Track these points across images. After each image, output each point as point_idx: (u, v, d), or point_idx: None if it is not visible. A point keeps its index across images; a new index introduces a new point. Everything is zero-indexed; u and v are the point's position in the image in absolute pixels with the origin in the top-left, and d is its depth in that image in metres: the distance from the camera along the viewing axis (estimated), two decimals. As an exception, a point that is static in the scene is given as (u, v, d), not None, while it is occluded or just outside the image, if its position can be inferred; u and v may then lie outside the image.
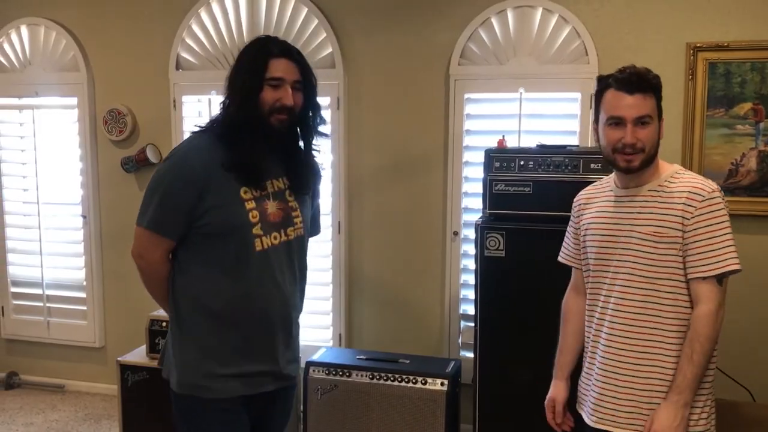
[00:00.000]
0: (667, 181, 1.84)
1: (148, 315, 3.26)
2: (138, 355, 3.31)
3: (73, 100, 3.94)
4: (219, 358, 1.90)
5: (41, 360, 4.23)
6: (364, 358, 3.07)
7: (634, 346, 1.83)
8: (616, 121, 1.81)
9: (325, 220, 3.49)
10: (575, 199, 2.08)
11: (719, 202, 1.77)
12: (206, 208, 1.84)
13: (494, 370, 2.75)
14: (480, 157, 2.91)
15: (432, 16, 3.36)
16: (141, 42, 3.82)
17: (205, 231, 1.86)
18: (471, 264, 3.27)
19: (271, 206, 1.93)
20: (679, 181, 1.83)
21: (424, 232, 3.48)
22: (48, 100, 4.00)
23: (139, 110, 3.86)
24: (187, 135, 2.56)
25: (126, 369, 3.23)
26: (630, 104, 1.79)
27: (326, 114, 3.46)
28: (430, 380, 2.87)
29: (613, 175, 1.96)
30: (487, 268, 2.72)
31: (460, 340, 3.42)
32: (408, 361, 3.02)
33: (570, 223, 2.10)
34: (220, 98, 1.96)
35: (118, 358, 3.28)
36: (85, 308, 4.07)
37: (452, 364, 3.00)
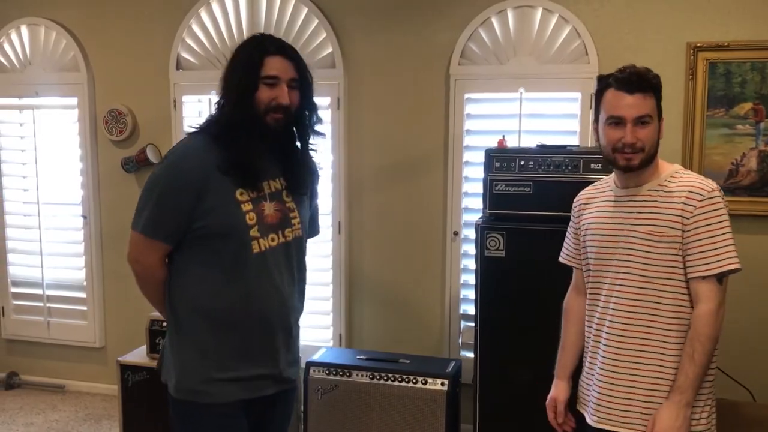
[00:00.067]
0: (666, 181, 1.84)
1: (148, 315, 3.26)
2: (138, 356, 3.31)
3: (74, 100, 3.94)
4: (217, 362, 1.87)
5: (41, 360, 4.23)
6: (365, 358, 3.07)
7: (636, 346, 1.83)
8: (616, 121, 1.81)
9: (325, 220, 3.50)
10: (575, 200, 2.08)
11: (719, 202, 1.77)
12: (202, 211, 1.81)
13: (494, 370, 2.75)
14: (480, 157, 2.91)
15: (432, 16, 3.36)
16: (141, 42, 3.82)
17: (202, 234, 1.83)
18: (471, 264, 3.27)
19: (268, 207, 1.89)
20: (678, 180, 1.83)
21: (424, 232, 3.48)
22: (48, 100, 4.00)
23: (139, 110, 3.86)
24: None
25: (126, 369, 3.23)
26: (630, 104, 1.79)
27: (326, 114, 3.49)
28: (430, 380, 2.87)
29: (613, 175, 1.96)
30: (487, 268, 2.72)
31: (460, 340, 3.42)
32: (408, 361, 3.02)
33: (570, 223, 2.10)
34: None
35: (119, 359, 3.28)
36: (85, 308, 4.08)
37: (452, 364, 3.00)
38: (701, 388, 1.79)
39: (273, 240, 1.90)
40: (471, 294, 3.35)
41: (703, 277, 1.75)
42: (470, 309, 3.39)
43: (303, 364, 2.92)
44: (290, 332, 2.00)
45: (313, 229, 2.16)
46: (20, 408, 3.95)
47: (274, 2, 3.54)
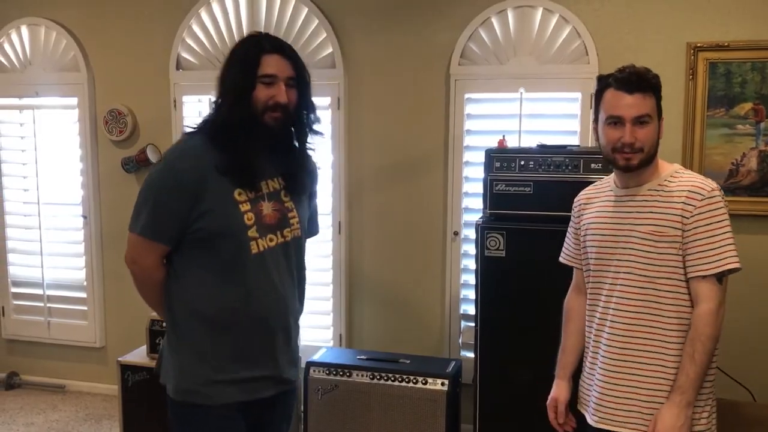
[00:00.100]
0: (666, 181, 1.84)
1: (148, 315, 3.26)
2: (138, 356, 3.31)
3: (74, 100, 3.94)
4: (216, 364, 1.85)
5: (42, 360, 4.23)
6: (365, 358, 3.07)
7: (637, 346, 1.83)
8: (615, 121, 1.81)
9: (325, 220, 3.50)
10: (575, 200, 2.08)
11: (719, 201, 1.77)
12: (200, 212, 1.79)
13: (495, 370, 2.75)
14: (480, 157, 2.91)
15: (432, 16, 3.36)
16: (141, 42, 3.82)
17: (200, 235, 1.81)
18: (471, 264, 3.27)
19: (267, 208, 1.87)
20: (678, 180, 1.83)
21: (424, 232, 3.48)
22: (48, 100, 4.00)
23: (139, 110, 3.86)
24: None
25: (126, 369, 3.23)
26: (629, 104, 1.79)
27: (326, 114, 3.49)
28: (430, 380, 2.87)
29: (613, 175, 1.96)
30: (487, 268, 2.72)
31: (460, 340, 3.42)
32: (408, 361, 3.02)
33: (570, 223, 2.09)
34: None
35: (119, 359, 3.28)
36: (85, 308, 4.08)
37: (453, 364, 3.00)
38: (702, 388, 1.79)
39: (271, 240, 1.88)
40: (471, 294, 3.35)
41: (703, 277, 1.75)
42: (470, 309, 3.39)
43: (303, 364, 2.92)
44: (290, 333, 1.98)
45: (312, 229, 2.14)
46: (20, 408, 3.95)
47: (274, 2, 3.54)
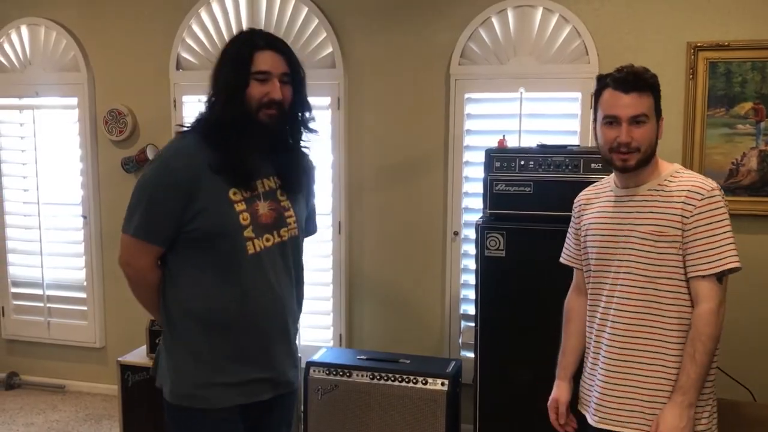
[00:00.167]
0: (666, 180, 1.84)
1: (148, 315, 3.20)
2: (138, 356, 3.31)
3: (74, 100, 3.94)
4: (213, 366, 1.82)
5: (42, 360, 4.23)
6: (365, 358, 3.07)
7: (637, 346, 1.83)
8: (612, 120, 1.81)
9: (325, 220, 3.50)
10: (576, 200, 2.07)
11: (719, 201, 1.77)
12: (194, 213, 1.76)
13: (495, 370, 2.74)
14: (480, 156, 2.91)
15: (432, 16, 3.36)
16: (141, 42, 3.82)
17: (195, 236, 1.78)
18: (471, 264, 3.27)
19: (263, 207, 1.84)
20: (678, 180, 1.83)
21: (424, 232, 3.48)
22: (48, 100, 4.00)
23: (139, 110, 3.86)
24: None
25: (126, 369, 3.22)
26: (626, 103, 1.79)
27: (326, 114, 3.49)
28: (430, 380, 2.87)
29: (613, 176, 1.96)
30: (487, 268, 2.72)
31: (460, 340, 3.42)
32: (408, 361, 3.02)
33: (571, 223, 2.09)
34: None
35: (119, 359, 3.28)
36: (85, 308, 4.07)
37: (453, 364, 3.00)
38: (702, 388, 1.79)
39: (268, 240, 1.85)
40: (471, 294, 3.34)
41: (703, 276, 1.75)
42: (470, 309, 3.38)
43: (303, 364, 2.92)
44: (288, 334, 1.95)
45: (309, 228, 2.11)
46: (20, 408, 3.95)
47: (274, 2, 3.54)
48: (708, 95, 3.02)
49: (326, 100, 3.48)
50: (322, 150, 3.48)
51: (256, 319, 1.85)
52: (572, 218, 2.08)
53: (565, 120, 3.24)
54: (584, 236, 1.98)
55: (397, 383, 2.90)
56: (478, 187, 2.90)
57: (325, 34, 3.49)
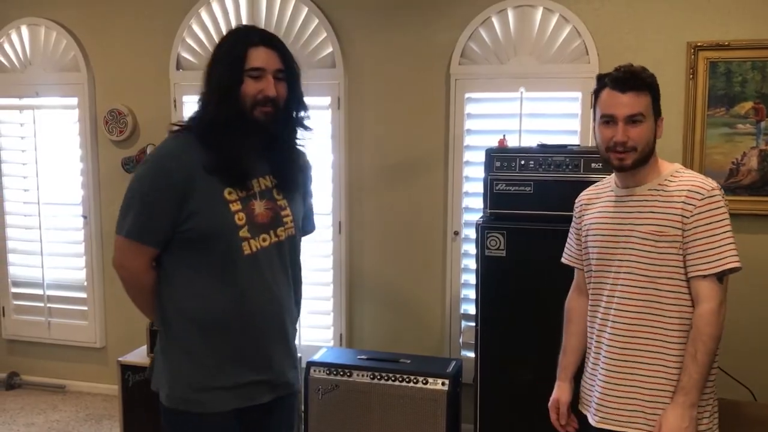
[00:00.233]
0: (667, 180, 1.84)
1: (148, 315, 3.25)
2: (139, 356, 3.31)
3: (74, 101, 3.94)
4: (209, 369, 1.79)
5: (42, 360, 4.23)
6: (365, 358, 3.07)
7: (638, 346, 1.83)
8: (609, 119, 1.81)
9: (325, 220, 3.50)
10: (577, 200, 2.07)
11: (719, 201, 1.77)
12: (189, 213, 1.73)
13: (495, 370, 2.74)
14: (481, 156, 2.90)
15: (432, 16, 3.36)
16: (141, 42, 3.82)
17: (190, 236, 1.75)
18: (472, 264, 3.26)
19: (259, 206, 1.81)
20: (678, 179, 1.83)
21: (424, 231, 3.48)
22: (48, 100, 4.00)
23: (139, 110, 3.86)
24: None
25: (127, 369, 3.22)
26: (623, 103, 1.79)
27: (326, 114, 3.49)
28: (431, 380, 2.87)
29: (613, 175, 1.96)
30: (487, 267, 2.72)
31: (460, 340, 3.42)
32: (409, 361, 3.02)
33: (572, 223, 2.09)
34: None
35: (119, 359, 3.28)
36: (85, 308, 4.07)
37: (453, 363, 3.00)
38: (704, 388, 1.79)
39: (264, 240, 1.82)
40: (471, 294, 3.34)
41: (704, 276, 1.75)
42: (471, 309, 3.38)
43: (303, 364, 2.92)
44: (286, 335, 1.92)
45: (307, 227, 2.07)
46: (21, 408, 3.95)
47: (274, 2, 3.54)
48: (708, 95, 3.02)
49: (326, 100, 3.48)
50: (322, 150, 3.48)
51: (253, 320, 1.82)
52: (573, 218, 2.08)
53: (565, 120, 3.24)
54: (585, 236, 1.98)
55: (397, 383, 2.90)
56: (479, 187, 2.90)
57: (325, 34, 3.49)
